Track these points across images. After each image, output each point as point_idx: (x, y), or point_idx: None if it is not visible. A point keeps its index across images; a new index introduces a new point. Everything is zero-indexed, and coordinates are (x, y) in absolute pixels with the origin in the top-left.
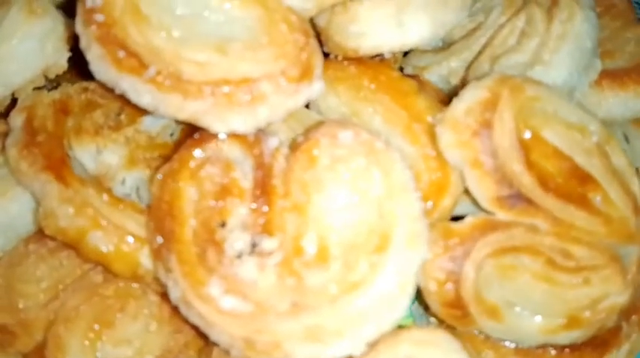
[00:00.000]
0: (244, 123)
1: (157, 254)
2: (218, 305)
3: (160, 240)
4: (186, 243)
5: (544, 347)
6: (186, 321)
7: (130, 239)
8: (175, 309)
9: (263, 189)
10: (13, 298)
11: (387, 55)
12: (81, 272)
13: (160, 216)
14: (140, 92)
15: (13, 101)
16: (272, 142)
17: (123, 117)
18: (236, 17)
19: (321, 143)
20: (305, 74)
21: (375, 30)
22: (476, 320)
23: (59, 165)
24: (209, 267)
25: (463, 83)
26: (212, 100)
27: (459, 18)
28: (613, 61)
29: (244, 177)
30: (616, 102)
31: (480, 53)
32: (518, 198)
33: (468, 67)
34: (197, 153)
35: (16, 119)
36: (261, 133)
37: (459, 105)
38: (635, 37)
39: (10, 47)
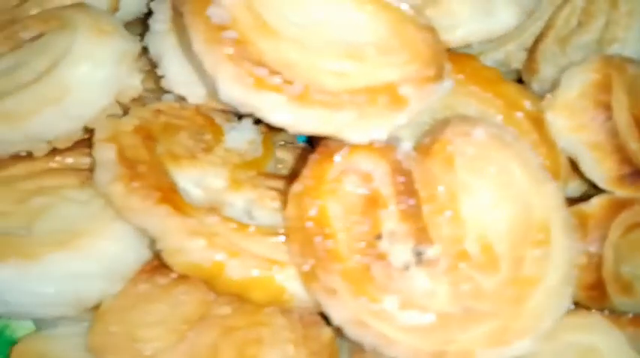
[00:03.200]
0: (384, 130)
1: (310, 276)
2: (398, 321)
3: (310, 261)
4: (347, 261)
5: None
6: (319, 341)
7: (269, 264)
8: (306, 329)
9: (408, 195)
10: (137, 346)
11: (475, 46)
12: (205, 306)
13: (305, 237)
14: (279, 109)
15: None
16: (405, 146)
17: (208, 136)
18: (359, 20)
19: (455, 143)
20: (439, 73)
21: (465, 21)
22: (611, 298)
23: (173, 196)
24: (380, 283)
25: (531, 66)
26: (357, 111)
27: (539, 3)
28: None
29: (382, 185)
30: None
31: (542, 35)
32: (638, 175)
33: (533, 50)
34: (332, 167)
35: (107, 152)
36: (392, 139)
37: (571, 89)
38: None
39: (83, 74)
